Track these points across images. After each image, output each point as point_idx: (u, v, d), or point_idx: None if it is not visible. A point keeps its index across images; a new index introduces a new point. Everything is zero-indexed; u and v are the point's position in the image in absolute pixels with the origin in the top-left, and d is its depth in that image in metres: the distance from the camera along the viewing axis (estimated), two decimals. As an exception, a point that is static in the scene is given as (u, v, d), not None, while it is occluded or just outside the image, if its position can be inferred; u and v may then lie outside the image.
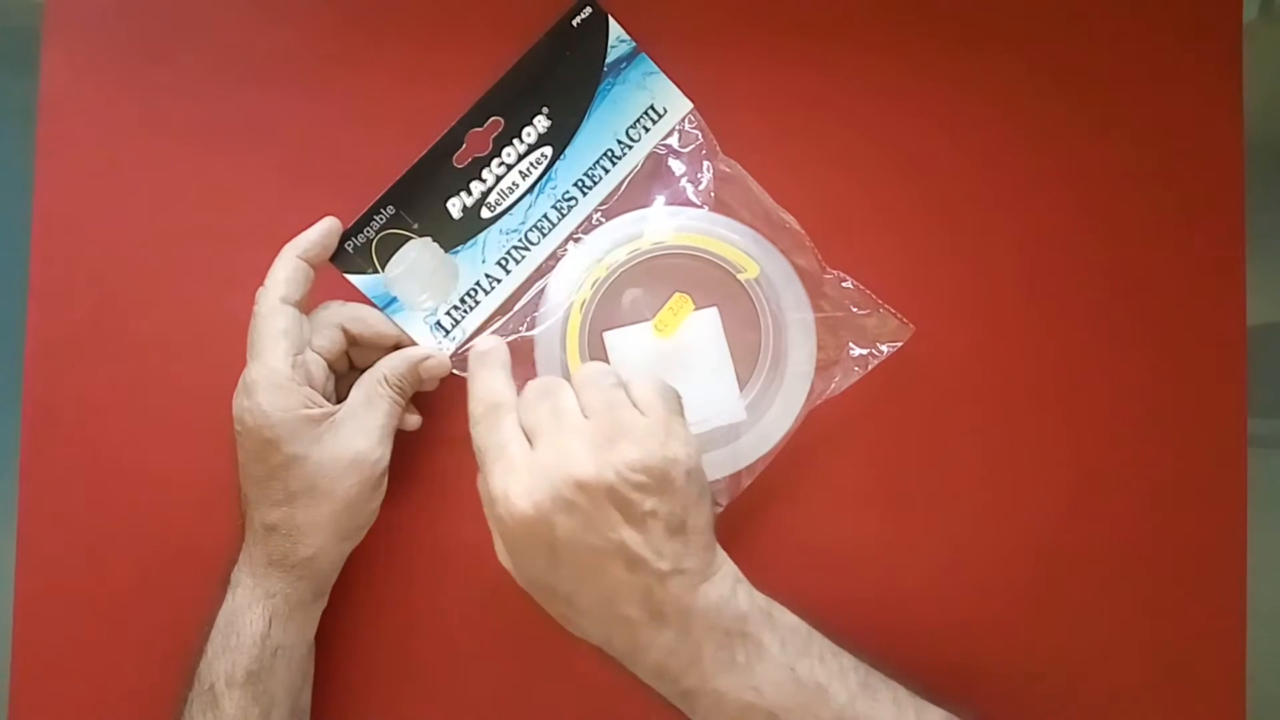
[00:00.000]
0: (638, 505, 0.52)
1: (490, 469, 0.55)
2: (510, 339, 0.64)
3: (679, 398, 0.57)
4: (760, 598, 0.55)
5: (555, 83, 0.65)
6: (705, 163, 0.66)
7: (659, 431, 0.54)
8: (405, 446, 0.65)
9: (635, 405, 0.55)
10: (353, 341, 0.64)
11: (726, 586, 0.54)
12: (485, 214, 0.65)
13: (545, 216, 0.65)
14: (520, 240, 0.65)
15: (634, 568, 0.52)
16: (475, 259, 0.65)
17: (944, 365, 0.67)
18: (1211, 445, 0.68)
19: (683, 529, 0.53)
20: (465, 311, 0.65)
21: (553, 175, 0.65)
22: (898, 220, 0.68)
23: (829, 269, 0.65)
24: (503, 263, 0.65)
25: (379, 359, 0.63)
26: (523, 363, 0.64)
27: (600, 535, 0.52)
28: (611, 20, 0.65)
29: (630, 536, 0.52)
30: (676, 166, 0.66)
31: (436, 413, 0.66)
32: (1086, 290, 0.68)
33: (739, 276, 0.64)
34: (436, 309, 0.65)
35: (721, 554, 0.56)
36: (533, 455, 0.54)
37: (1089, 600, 0.68)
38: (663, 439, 0.53)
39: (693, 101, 0.66)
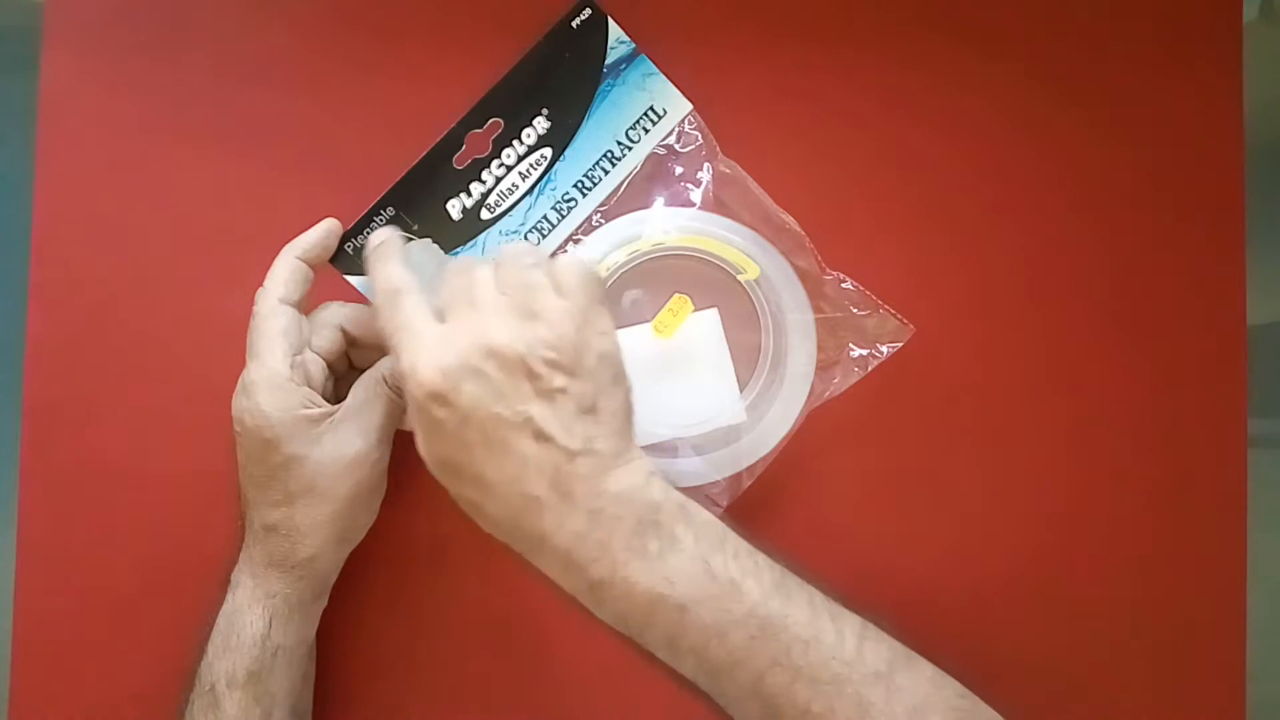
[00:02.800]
0: (547, 380, 0.52)
1: (399, 349, 0.54)
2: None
3: (601, 285, 0.56)
4: (675, 493, 0.54)
5: (555, 84, 0.65)
6: (705, 164, 0.66)
7: (575, 314, 0.53)
8: (405, 446, 0.64)
9: (555, 289, 0.54)
10: (352, 342, 0.64)
11: (640, 475, 0.53)
12: (485, 215, 0.65)
13: (545, 218, 0.65)
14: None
15: (542, 442, 0.51)
16: (475, 260, 0.65)
17: (944, 366, 0.67)
18: (1211, 445, 0.68)
19: (594, 410, 0.53)
20: (465, 313, 0.65)
21: (552, 176, 0.65)
22: (897, 221, 0.68)
23: (829, 270, 0.65)
24: (503, 264, 0.65)
25: (379, 359, 0.63)
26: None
27: (508, 405, 0.51)
28: (611, 21, 0.65)
29: (539, 410, 0.51)
30: (676, 167, 0.66)
31: (436, 413, 0.66)
32: (1086, 290, 0.68)
33: (739, 277, 0.64)
34: (436, 310, 0.65)
35: (638, 447, 0.55)
36: (442, 328, 0.53)
37: (1089, 600, 0.68)
38: (578, 322, 0.53)
39: (692, 102, 0.66)
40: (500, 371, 0.51)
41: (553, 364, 0.52)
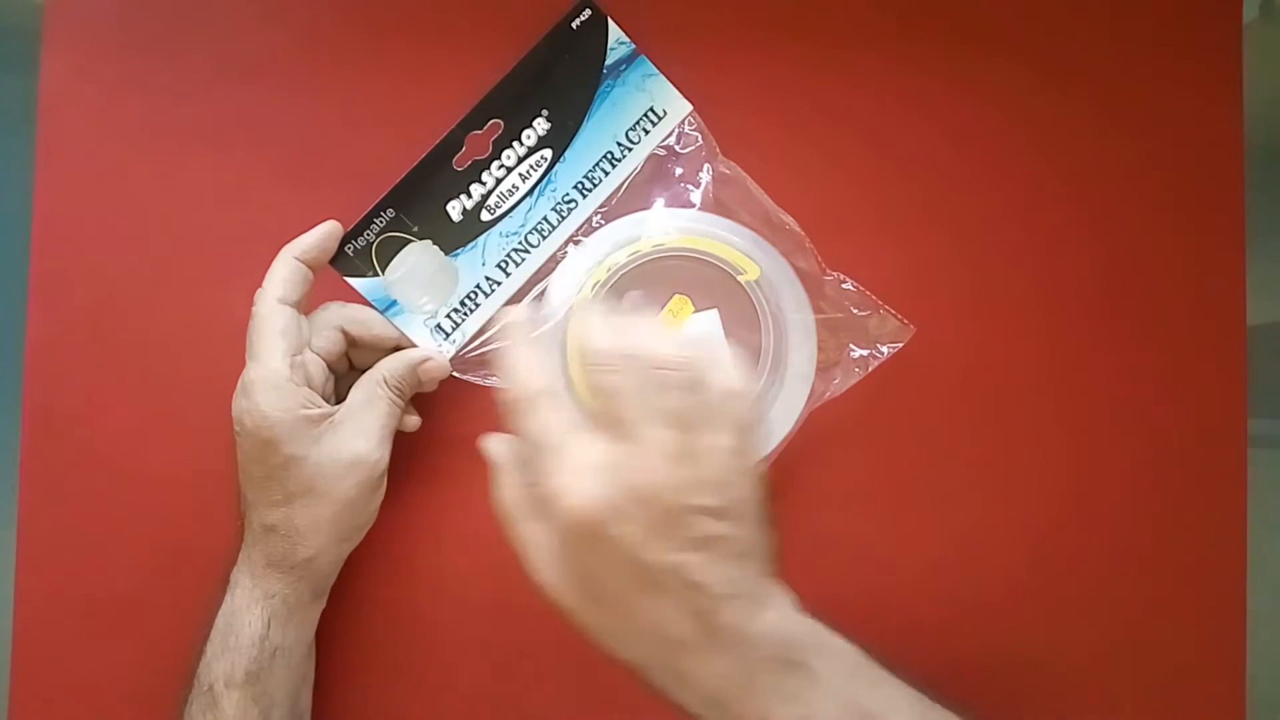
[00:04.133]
0: (704, 528, 0.49)
1: (543, 463, 0.51)
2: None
3: (755, 409, 0.54)
4: (809, 622, 0.53)
5: (555, 85, 0.65)
6: (705, 164, 0.66)
7: (736, 456, 0.51)
8: (405, 447, 0.65)
9: (715, 422, 0.51)
10: (352, 343, 0.64)
11: (781, 612, 0.52)
12: (485, 217, 0.65)
13: (545, 219, 0.65)
14: (520, 243, 0.65)
15: (692, 590, 0.49)
16: (475, 262, 0.65)
17: (944, 366, 0.67)
18: (1211, 445, 0.68)
19: (744, 556, 0.51)
20: (465, 314, 0.65)
21: (552, 178, 0.65)
22: (897, 221, 0.68)
23: (829, 270, 0.65)
24: (503, 265, 0.65)
25: (379, 360, 0.63)
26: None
27: (661, 553, 0.49)
28: (611, 22, 0.65)
29: (692, 558, 0.49)
30: (676, 168, 0.66)
31: (436, 414, 0.66)
32: (1086, 290, 0.68)
33: (739, 278, 0.64)
34: (437, 312, 0.65)
35: (775, 582, 0.53)
36: (596, 459, 0.50)
37: (1089, 600, 0.68)
38: (739, 466, 0.51)
39: (692, 103, 0.66)
40: (656, 517, 0.49)
41: (709, 511, 0.49)
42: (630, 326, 0.52)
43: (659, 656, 0.51)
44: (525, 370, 0.53)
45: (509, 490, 0.54)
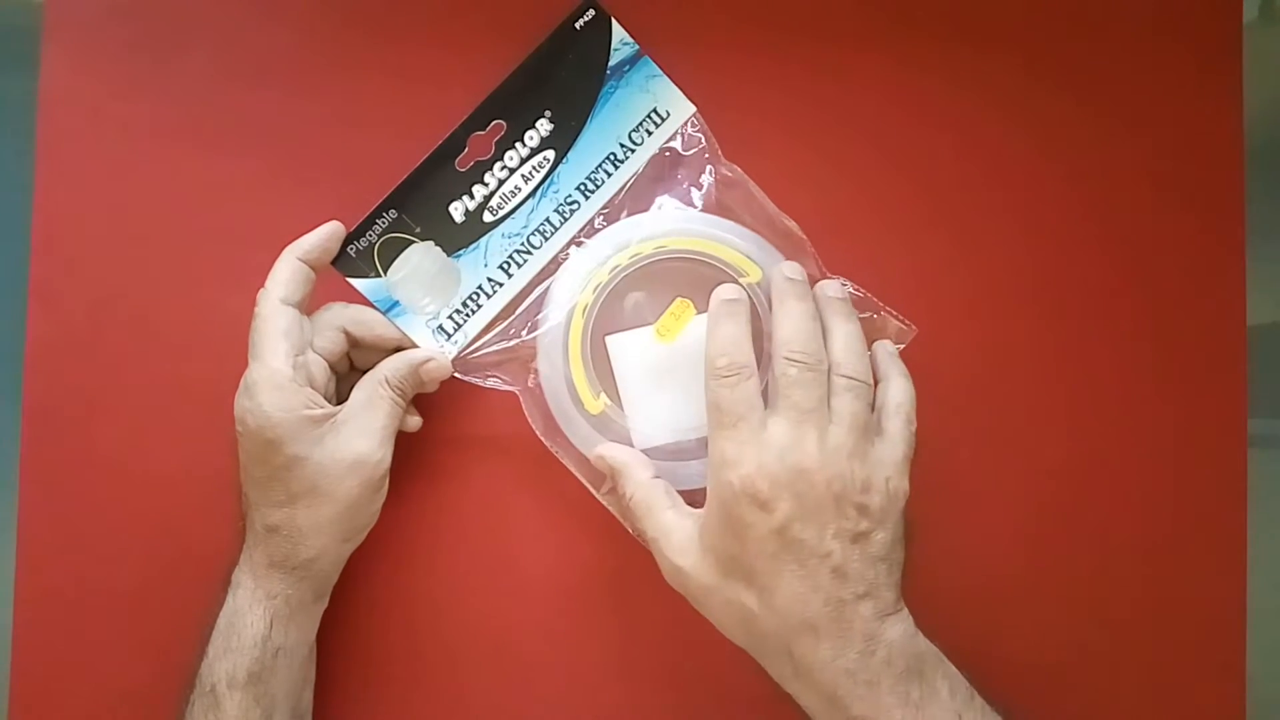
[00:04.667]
0: (856, 524, 0.54)
1: (728, 431, 0.56)
2: (512, 343, 0.64)
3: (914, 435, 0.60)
4: (933, 646, 0.56)
5: (558, 86, 0.65)
6: (708, 166, 0.66)
7: (898, 466, 0.57)
8: (406, 447, 0.65)
9: (885, 433, 0.58)
10: (354, 343, 0.64)
11: (909, 625, 0.55)
12: (487, 218, 0.65)
13: (547, 220, 0.65)
14: (522, 244, 0.65)
15: (837, 576, 0.53)
16: (477, 263, 0.65)
17: (945, 367, 0.67)
18: (1211, 445, 0.68)
19: (883, 561, 0.55)
20: (467, 315, 0.65)
21: (555, 179, 0.65)
22: (899, 224, 0.68)
23: (830, 274, 0.65)
24: (505, 266, 0.65)
25: (380, 360, 0.63)
26: (525, 366, 0.64)
27: (818, 535, 0.54)
28: (614, 23, 0.65)
29: (843, 547, 0.54)
30: (679, 170, 0.66)
31: (437, 414, 0.66)
32: (1087, 291, 0.68)
33: (741, 281, 0.64)
34: (439, 313, 0.65)
35: (901, 598, 0.57)
36: (779, 434, 0.55)
37: (1089, 600, 0.68)
38: (897, 476, 0.57)
39: (695, 105, 0.66)
40: (817, 500, 0.54)
41: (864, 510, 0.54)
42: (828, 331, 0.60)
43: (787, 638, 0.54)
44: (725, 341, 0.58)
45: (640, 487, 0.60)
